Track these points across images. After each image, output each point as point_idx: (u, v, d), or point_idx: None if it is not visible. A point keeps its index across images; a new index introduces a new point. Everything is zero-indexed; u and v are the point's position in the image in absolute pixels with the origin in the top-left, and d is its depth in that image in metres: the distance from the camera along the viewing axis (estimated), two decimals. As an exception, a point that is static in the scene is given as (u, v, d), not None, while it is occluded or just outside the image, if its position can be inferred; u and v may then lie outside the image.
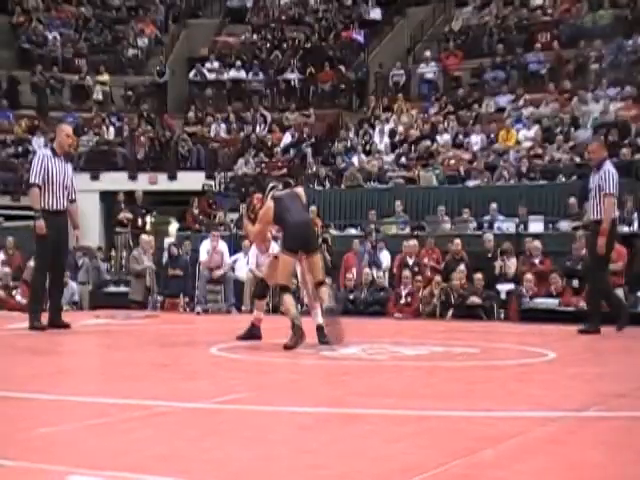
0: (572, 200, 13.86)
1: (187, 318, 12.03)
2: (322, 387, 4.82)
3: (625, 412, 4.00)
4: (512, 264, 12.34)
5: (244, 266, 13.24)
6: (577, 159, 15.50)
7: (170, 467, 2.79)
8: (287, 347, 6.68)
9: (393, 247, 13.76)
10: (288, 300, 7.02)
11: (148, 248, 13.92)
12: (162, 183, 19.79)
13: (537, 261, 12.27)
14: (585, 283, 9.23)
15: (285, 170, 18.67)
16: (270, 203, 7.18)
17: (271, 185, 7.58)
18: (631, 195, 13.36)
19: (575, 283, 11.80)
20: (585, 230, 9.16)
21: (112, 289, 14.68)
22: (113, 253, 16.41)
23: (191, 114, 20.81)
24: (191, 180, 19.24)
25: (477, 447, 3.07)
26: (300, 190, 7.57)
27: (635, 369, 6.07)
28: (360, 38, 22.77)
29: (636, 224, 13.09)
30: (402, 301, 12.24)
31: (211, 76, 22.11)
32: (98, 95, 21.90)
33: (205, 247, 12.96)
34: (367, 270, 13.01)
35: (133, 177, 19.80)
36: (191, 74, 22.30)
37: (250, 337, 7.36)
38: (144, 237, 14.24)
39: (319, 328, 7.03)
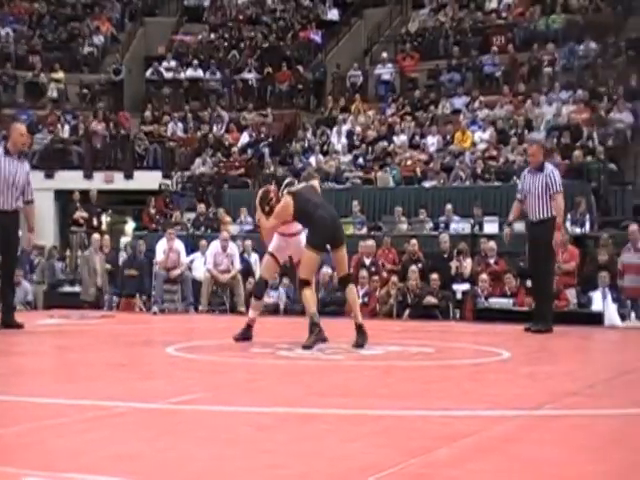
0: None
1: (144, 318, 11.94)
2: (279, 387, 4.82)
3: (577, 410, 4.07)
4: (468, 264, 12.47)
5: (201, 266, 13.19)
6: (531, 161, 15.70)
7: (126, 467, 2.78)
8: (305, 347, 6.53)
9: (350, 247, 13.68)
10: (309, 296, 6.82)
11: (97, 247, 13.76)
12: (118, 182, 19.63)
13: (492, 261, 12.41)
14: (535, 281, 9.27)
15: (243, 170, 18.65)
16: (289, 199, 6.88)
17: (287, 181, 7.33)
18: (583, 197, 13.59)
19: (529, 283, 11.96)
20: (509, 227, 9.31)
21: (67, 289, 14.51)
22: (68, 252, 16.24)
23: (147, 113, 20.65)
24: (148, 179, 19.11)
25: (433, 446, 3.10)
26: (316, 183, 7.34)
27: (587, 367, 6.17)
28: (317, 38, 22.82)
29: (588, 225, 13.31)
30: (359, 301, 12.28)
31: (168, 75, 21.97)
32: (53, 93, 21.62)
33: (161, 246, 12.87)
34: (325, 270, 13.03)
35: (88, 176, 19.60)
36: (148, 73, 22.15)
37: (245, 338, 7.17)
38: (95, 236, 14.09)
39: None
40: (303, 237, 7.18)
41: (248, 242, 14.04)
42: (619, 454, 3.10)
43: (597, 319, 10.47)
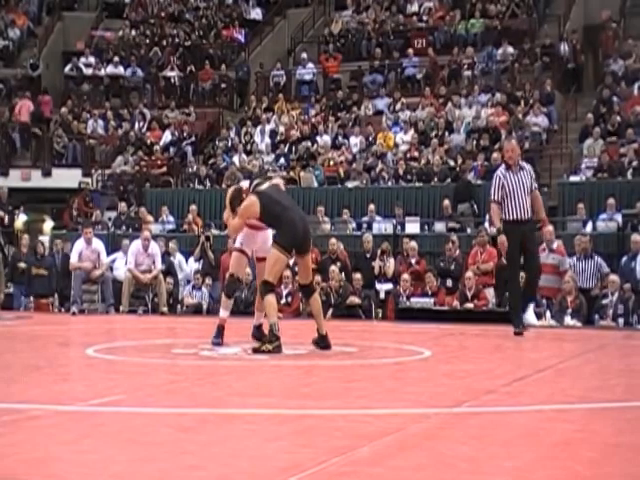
0: (446, 202, 14.29)
1: (62, 319, 11.70)
2: (201, 388, 4.80)
3: (495, 408, 4.16)
4: (391, 264, 12.58)
5: (123, 266, 12.98)
6: (451, 162, 15.99)
7: (45, 471, 2.73)
8: (256, 350, 6.36)
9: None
10: (271, 302, 6.53)
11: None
12: (36, 180, 19.17)
13: (413, 261, 12.57)
14: (513, 281, 8.72)
15: (165, 169, 18.45)
16: (254, 198, 6.63)
17: (257, 181, 6.94)
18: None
19: (449, 283, 12.17)
20: (500, 233, 8.60)
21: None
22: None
23: (66, 109, 20.23)
24: (67, 177, 18.72)
25: (354, 445, 3.13)
26: (280, 181, 7.13)
27: (504, 366, 6.31)
28: (241, 37, 22.73)
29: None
30: (282, 301, 12.29)
31: (88, 71, 21.56)
32: (-34, 87, 21.02)
33: (78, 246, 12.60)
34: (247, 270, 12.99)
35: (4, 173, 19.10)
36: (67, 68, 21.69)
37: (220, 343, 6.83)
38: None
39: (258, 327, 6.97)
40: (270, 233, 7.01)
41: (172, 243, 13.90)
42: (533, 449, 3.19)
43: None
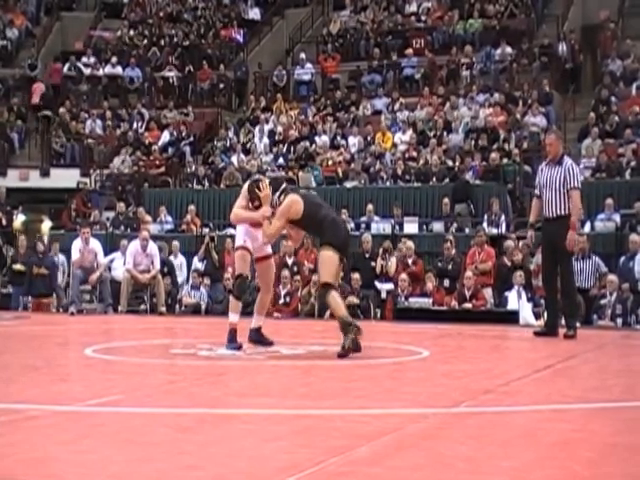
0: (445, 202, 14.30)
1: (60, 319, 11.69)
2: (199, 388, 4.80)
3: (493, 407, 4.17)
4: (393, 263, 12.55)
5: (121, 266, 12.98)
6: (449, 162, 16.00)
7: (43, 471, 2.73)
8: (341, 355, 6.07)
9: (272, 247, 13.77)
10: (336, 299, 6.29)
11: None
12: (34, 180, 19.16)
13: (411, 261, 12.57)
14: (548, 283, 8.48)
15: (163, 169, 18.45)
16: (296, 197, 6.41)
17: (285, 185, 6.69)
18: (498, 198, 13.91)
19: (447, 283, 12.17)
20: (533, 228, 8.55)
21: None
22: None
23: (64, 109, 20.22)
24: (65, 177, 18.72)
25: (353, 445, 3.14)
26: (312, 184, 7.09)
27: (502, 366, 6.32)
28: (239, 37, 22.74)
29: (504, 226, 13.62)
30: (281, 301, 12.30)
31: (86, 71, 21.56)
32: (-37, 87, 21.03)
33: (76, 245, 12.59)
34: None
35: (2, 173, 19.09)
36: (65, 68, 21.68)
37: (239, 347, 6.55)
38: None
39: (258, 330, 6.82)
40: None
41: (176, 243, 13.90)
42: (531, 449, 3.19)
43: (512, 318, 10.71)
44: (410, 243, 12.71)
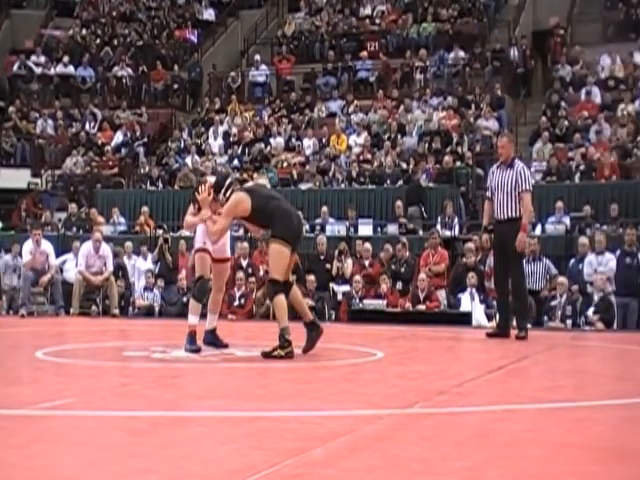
0: (398, 204, 14.39)
1: (10, 321, 11.50)
2: (153, 390, 4.76)
3: (446, 408, 4.20)
4: (349, 264, 12.59)
5: (73, 267, 12.82)
6: (403, 165, 16.10)
7: (-7, 477, 2.68)
8: (267, 355, 6.10)
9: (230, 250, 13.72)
10: (282, 304, 6.17)
11: None
12: (-18, 180, 18.84)
13: (367, 263, 12.62)
14: (500, 285, 8.51)
15: (116, 170, 18.27)
16: (242, 194, 6.30)
17: (230, 181, 6.59)
18: (451, 200, 14.04)
19: (400, 285, 12.24)
20: (487, 231, 8.53)
21: None
22: None
23: (14, 108, 19.91)
24: (15, 177, 18.43)
25: (307, 446, 3.14)
26: (265, 181, 7.00)
27: (455, 367, 6.38)
28: (193, 38, 22.62)
29: (457, 228, 13.75)
30: (236, 303, 12.26)
31: (37, 70, 21.26)
32: None
33: (27, 247, 12.41)
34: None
35: (-49, 173, 18.75)
36: (15, 67, 21.35)
37: (196, 349, 6.47)
38: None
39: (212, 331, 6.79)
40: (229, 236, 6.85)
41: (129, 244, 13.77)
42: (484, 449, 3.23)
43: (465, 320, 10.82)
44: (367, 245, 12.76)
